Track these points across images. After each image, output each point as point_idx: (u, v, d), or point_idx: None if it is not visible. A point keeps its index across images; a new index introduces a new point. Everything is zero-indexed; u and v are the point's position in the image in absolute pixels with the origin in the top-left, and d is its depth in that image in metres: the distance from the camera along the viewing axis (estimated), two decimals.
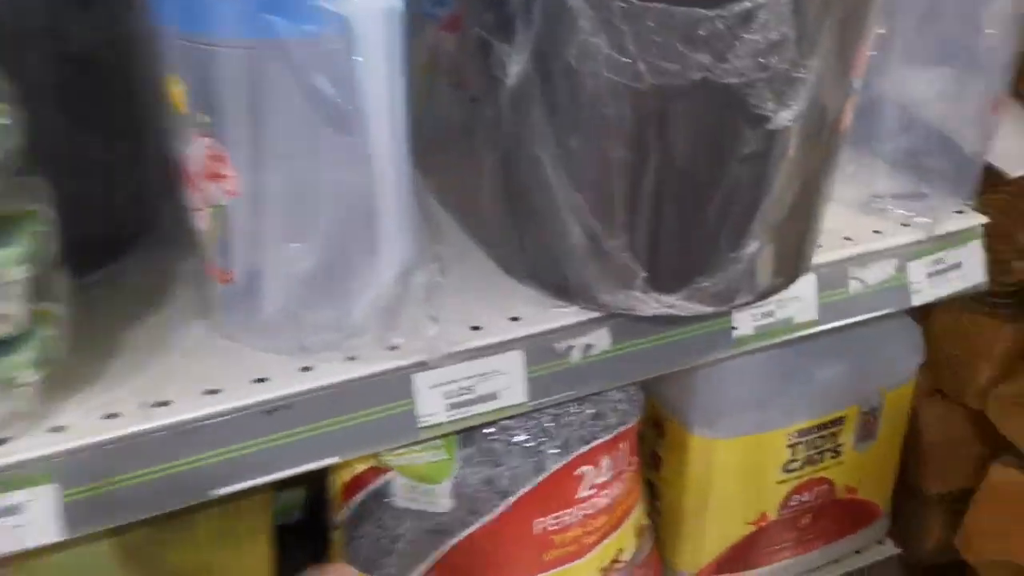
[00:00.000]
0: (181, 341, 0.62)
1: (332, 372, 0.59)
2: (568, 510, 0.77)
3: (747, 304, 0.66)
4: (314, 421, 0.59)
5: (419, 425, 0.62)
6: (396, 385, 0.61)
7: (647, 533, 0.90)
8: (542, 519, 0.76)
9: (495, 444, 0.74)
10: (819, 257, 0.72)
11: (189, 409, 0.56)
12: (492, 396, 0.64)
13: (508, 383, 0.64)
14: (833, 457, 0.92)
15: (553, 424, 0.76)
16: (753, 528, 0.93)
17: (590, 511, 0.78)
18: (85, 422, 0.54)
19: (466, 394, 0.63)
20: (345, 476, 0.75)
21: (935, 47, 0.74)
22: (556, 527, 0.77)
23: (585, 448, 0.77)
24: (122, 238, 0.69)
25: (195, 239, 0.59)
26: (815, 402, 0.88)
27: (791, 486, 0.92)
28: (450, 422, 0.63)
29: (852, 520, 1.00)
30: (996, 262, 0.84)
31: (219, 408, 0.56)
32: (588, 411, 0.77)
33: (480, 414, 0.64)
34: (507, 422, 0.74)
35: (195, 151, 0.53)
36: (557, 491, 0.76)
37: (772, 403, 0.86)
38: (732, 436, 0.86)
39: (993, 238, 0.82)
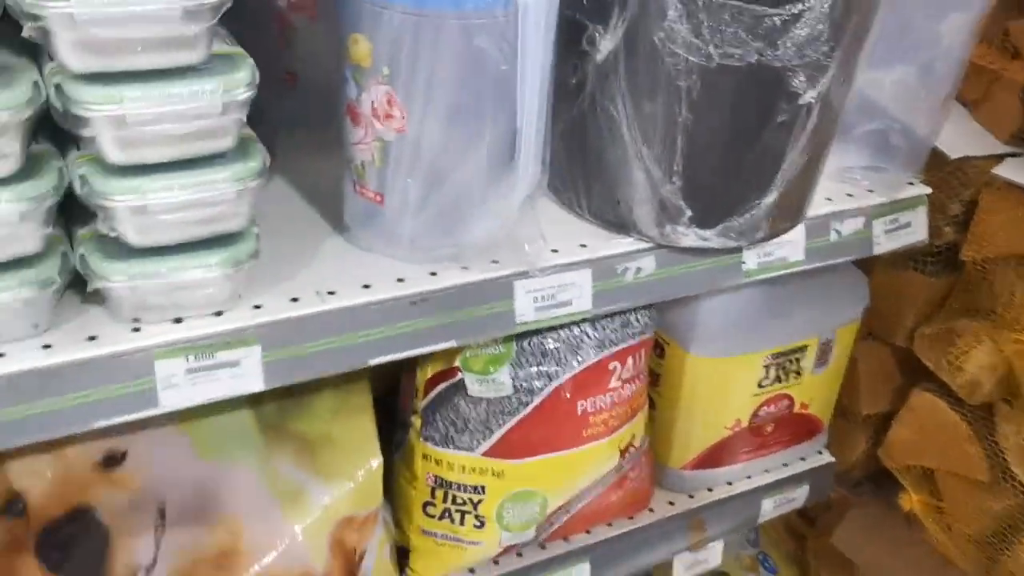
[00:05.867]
0: (329, 249, 0.73)
1: (453, 276, 0.70)
2: (602, 395, 0.90)
3: (762, 241, 0.79)
4: (442, 313, 0.70)
5: (516, 321, 0.73)
6: (501, 289, 0.72)
7: (649, 430, 1.03)
8: (583, 401, 0.88)
9: (545, 340, 0.87)
10: (807, 211, 0.86)
11: (351, 298, 0.66)
12: (568, 303, 0.76)
13: (579, 293, 0.76)
14: (795, 378, 1.07)
15: (591, 329, 0.88)
16: (729, 432, 1.07)
17: (617, 399, 0.91)
18: (276, 304, 0.64)
19: (550, 300, 0.75)
20: (428, 372, 0.86)
21: (901, 51, 0.88)
22: (592, 409, 0.89)
23: (616, 348, 0.89)
24: None
25: (349, 167, 0.69)
26: (787, 332, 1.02)
27: (762, 399, 1.06)
28: (536, 321, 0.75)
29: (802, 432, 1.16)
30: (930, 227, 0.99)
31: (375, 298, 0.67)
32: (618, 320, 0.90)
33: (558, 316, 0.76)
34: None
35: (374, 96, 0.63)
36: (594, 379, 0.89)
37: (756, 331, 0.99)
38: (722, 356, 1.00)
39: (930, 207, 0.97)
